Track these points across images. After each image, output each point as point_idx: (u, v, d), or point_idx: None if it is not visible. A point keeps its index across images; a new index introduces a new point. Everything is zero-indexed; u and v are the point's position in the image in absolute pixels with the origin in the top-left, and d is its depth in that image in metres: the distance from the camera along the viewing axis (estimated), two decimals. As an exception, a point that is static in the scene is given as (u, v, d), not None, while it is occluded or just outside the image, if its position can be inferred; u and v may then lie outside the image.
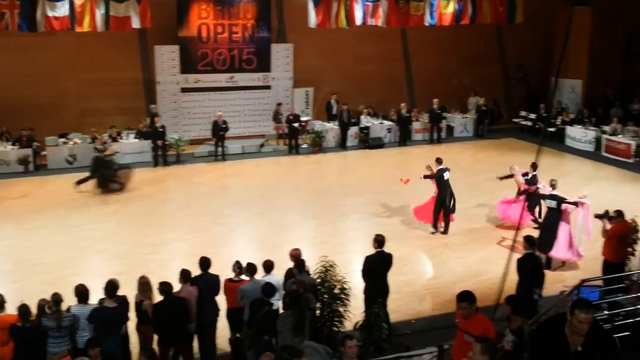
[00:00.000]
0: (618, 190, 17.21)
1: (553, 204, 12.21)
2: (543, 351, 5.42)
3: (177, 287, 8.69)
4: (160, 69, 22.27)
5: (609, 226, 10.67)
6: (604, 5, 24.62)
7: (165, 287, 8.30)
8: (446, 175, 14.17)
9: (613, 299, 9.10)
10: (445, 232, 14.32)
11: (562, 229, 12.10)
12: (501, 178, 14.90)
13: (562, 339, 5.23)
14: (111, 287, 8.15)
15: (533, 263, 9.48)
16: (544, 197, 12.59)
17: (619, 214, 10.66)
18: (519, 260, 9.46)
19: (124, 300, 8.54)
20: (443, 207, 14.13)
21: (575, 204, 12.18)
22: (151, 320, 8.41)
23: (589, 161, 20.63)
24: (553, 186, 12.70)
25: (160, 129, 20.27)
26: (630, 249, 11.12)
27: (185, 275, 8.73)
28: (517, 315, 6.82)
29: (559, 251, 12.07)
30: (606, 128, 22.28)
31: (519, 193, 14.26)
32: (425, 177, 14.51)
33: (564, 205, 12.10)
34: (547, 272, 10.05)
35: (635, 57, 25.36)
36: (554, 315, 5.31)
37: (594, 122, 23.09)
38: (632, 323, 8.31)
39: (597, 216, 10.94)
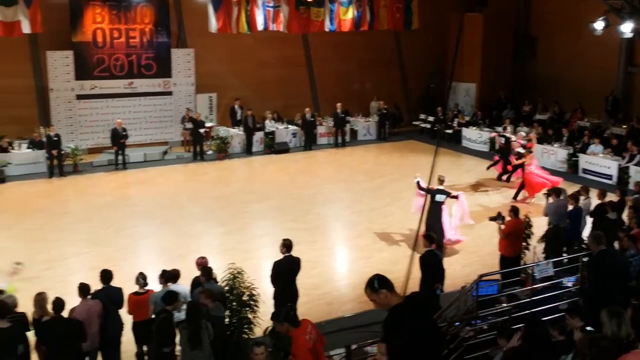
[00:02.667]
0: (512, 188, 18.08)
1: (442, 197, 12.97)
2: None
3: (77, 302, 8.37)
4: (54, 75, 21.34)
5: (502, 227, 11.22)
6: (494, 11, 25.92)
7: (55, 304, 7.93)
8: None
9: (510, 292, 9.56)
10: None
11: (445, 217, 13.14)
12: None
13: None
14: (1, 307, 7.70)
15: (433, 260, 9.81)
16: (432, 191, 12.85)
17: (515, 211, 11.24)
18: (421, 258, 9.76)
19: (20, 319, 8.11)
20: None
21: (456, 196, 13.26)
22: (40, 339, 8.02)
23: (484, 161, 21.55)
24: (441, 182, 13.30)
25: (55, 138, 19.40)
26: (524, 244, 11.73)
27: (83, 289, 8.39)
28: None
29: (449, 234, 13.10)
30: (499, 129, 23.39)
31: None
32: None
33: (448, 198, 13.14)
34: (448, 268, 10.42)
35: (524, 59, 26.81)
36: None
37: (488, 124, 24.21)
38: (529, 314, 8.77)
39: (491, 219, 11.46)
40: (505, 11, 26.66)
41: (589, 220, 12.47)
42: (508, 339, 6.73)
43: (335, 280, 12.47)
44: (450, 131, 24.71)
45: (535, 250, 11.77)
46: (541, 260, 10.88)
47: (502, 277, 10.40)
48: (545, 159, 20.70)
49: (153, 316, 8.57)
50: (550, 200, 12.27)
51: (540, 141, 21.37)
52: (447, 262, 11.90)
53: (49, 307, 8.21)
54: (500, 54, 26.33)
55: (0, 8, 18.89)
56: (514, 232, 11.16)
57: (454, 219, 13.36)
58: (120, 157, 20.62)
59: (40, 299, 8.39)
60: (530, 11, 26.99)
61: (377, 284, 5.24)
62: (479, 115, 24.94)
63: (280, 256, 9.66)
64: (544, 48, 25.98)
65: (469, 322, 8.95)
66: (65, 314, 8.03)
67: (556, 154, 20.51)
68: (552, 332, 6.76)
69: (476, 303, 9.01)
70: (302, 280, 10.04)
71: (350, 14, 24.27)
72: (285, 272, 9.59)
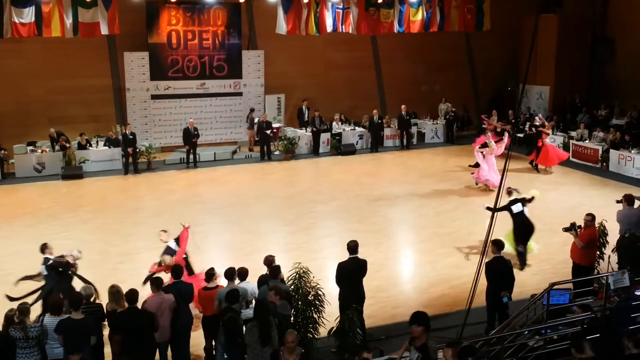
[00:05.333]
0: (585, 195, 17.54)
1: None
2: None
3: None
4: (130, 75, 22.12)
5: (577, 236, 10.86)
6: (570, 13, 25.15)
7: (129, 296, 8.21)
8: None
9: (583, 302, 9.25)
10: None
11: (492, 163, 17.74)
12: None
13: None
14: (75, 298, 8.02)
15: (502, 267, 9.58)
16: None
17: (593, 217, 10.85)
18: (488, 264, 9.52)
19: (95, 310, 8.43)
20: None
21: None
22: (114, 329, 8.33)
23: (556, 166, 20.97)
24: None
25: (131, 136, 20.08)
26: (598, 253, 11.34)
27: (156, 283, 8.65)
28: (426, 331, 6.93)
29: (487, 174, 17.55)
30: (573, 133, 22.71)
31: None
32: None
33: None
34: (518, 275, 10.18)
35: (601, 62, 25.88)
36: None
37: (562, 128, 23.51)
38: (603, 325, 8.48)
39: (565, 229, 11.09)
40: (581, 12, 25.83)
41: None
42: (579, 349, 6.53)
43: (401, 283, 12.39)
44: (521, 135, 24.13)
45: (610, 259, 11.35)
46: (616, 270, 10.48)
47: (574, 287, 10.09)
48: (622, 165, 19.98)
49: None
50: (622, 207, 11.82)
51: (616, 146, 20.66)
52: (517, 270, 11.67)
53: (123, 298, 8.52)
54: (575, 56, 25.53)
55: (81, 10, 19.78)
56: (591, 241, 10.80)
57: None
58: (191, 156, 21.16)
59: (113, 291, 8.68)
60: (607, 12, 26.03)
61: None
62: (552, 119, 24.27)
63: (346, 257, 9.68)
64: (622, 50, 25.01)
65: (539, 331, 8.72)
66: (138, 305, 8.31)
67: (634, 160, 19.71)
68: (627, 344, 6.53)
69: (546, 312, 8.77)
70: (368, 283, 10.02)
71: (419, 15, 24.09)
72: (350, 273, 9.59)
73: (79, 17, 19.78)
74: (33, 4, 19.09)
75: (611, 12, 25.87)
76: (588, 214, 10.96)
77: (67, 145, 20.33)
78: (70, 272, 9.62)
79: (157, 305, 8.45)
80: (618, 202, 12.11)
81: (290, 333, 7.29)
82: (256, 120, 22.44)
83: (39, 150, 20.19)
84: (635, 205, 11.85)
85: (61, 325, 7.79)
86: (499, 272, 9.53)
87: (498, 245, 9.76)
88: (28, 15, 19.11)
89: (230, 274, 9.06)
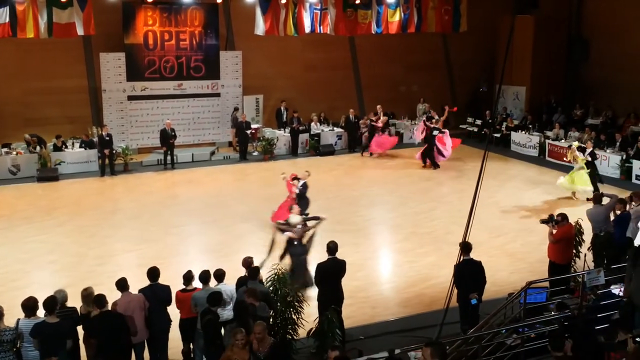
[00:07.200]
0: (562, 194, 17.71)
1: (436, 132, 21.03)
2: None
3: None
4: (106, 76, 21.87)
5: (554, 230, 10.96)
6: (546, 13, 25.43)
7: (97, 300, 8.13)
8: None
9: (559, 300, 9.35)
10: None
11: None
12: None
13: None
14: (50, 302, 7.90)
15: (473, 269, 9.41)
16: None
17: (563, 217, 10.98)
18: (457, 268, 9.33)
19: (70, 314, 8.33)
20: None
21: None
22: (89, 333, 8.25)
23: (533, 165, 21.20)
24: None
25: (107, 138, 19.87)
26: (575, 251, 11.46)
27: (120, 284, 8.54)
28: None
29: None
30: (549, 133, 22.95)
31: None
32: None
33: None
34: (495, 275, 10.23)
35: (576, 63, 26.18)
36: None
37: (538, 128, 23.76)
38: (579, 323, 8.57)
39: (543, 221, 11.20)
40: (556, 13, 26.12)
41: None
42: (556, 349, 6.59)
43: (379, 283, 12.42)
44: (498, 135, 24.36)
45: (586, 257, 11.49)
46: (592, 268, 10.61)
47: (551, 285, 10.19)
48: (597, 164, 20.17)
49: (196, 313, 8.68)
50: (590, 206, 11.98)
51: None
52: (495, 269, 11.76)
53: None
54: (551, 56, 25.80)
55: (56, 10, 19.54)
56: (565, 238, 10.88)
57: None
58: (169, 157, 21.01)
59: (86, 294, 8.56)
60: (582, 13, 26.32)
61: None
62: (528, 119, 24.53)
63: (325, 258, 9.67)
64: (596, 51, 25.33)
65: (516, 329, 8.80)
66: (108, 307, 8.22)
67: (609, 160, 19.98)
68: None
69: (524, 311, 8.84)
70: (346, 283, 10.01)
71: (397, 16, 24.18)
72: (329, 274, 9.58)
73: (54, 17, 19.53)
74: (7, 4, 18.81)
75: (586, 12, 26.16)
76: (559, 214, 11.09)
77: (37, 147, 19.92)
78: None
79: (124, 305, 8.37)
80: (588, 200, 12.29)
81: (257, 324, 7.31)
82: (239, 119, 22.34)
83: (14, 152, 19.87)
84: (604, 203, 12.04)
85: (37, 328, 7.68)
86: (469, 274, 9.37)
87: (467, 248, 9.51)
88: (2, 16, 18.82)
89: (205, 277, 8.99)
